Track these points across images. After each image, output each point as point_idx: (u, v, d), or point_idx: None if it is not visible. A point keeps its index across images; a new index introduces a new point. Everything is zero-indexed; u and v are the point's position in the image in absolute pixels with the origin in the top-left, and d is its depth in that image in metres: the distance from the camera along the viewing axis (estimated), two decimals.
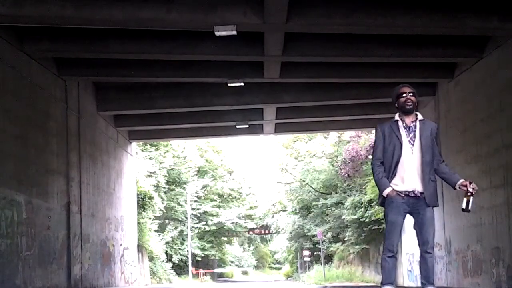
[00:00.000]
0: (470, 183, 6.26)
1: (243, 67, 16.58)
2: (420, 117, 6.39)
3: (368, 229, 29.56)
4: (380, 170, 6.30)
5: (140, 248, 27.19)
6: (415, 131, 6.29)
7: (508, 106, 14.03)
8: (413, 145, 6.25)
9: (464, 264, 16.92)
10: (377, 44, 14.90)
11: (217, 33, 12.42)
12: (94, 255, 18.85)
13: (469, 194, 6.22)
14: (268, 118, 21.39)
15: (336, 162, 34.99)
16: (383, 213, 6.43)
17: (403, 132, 6.29)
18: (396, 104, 6.44)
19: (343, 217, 32.81)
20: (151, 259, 32.16)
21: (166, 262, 37.69)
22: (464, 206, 6.25)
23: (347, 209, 31.65)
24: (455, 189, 6.34)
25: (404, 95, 6.36)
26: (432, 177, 6.27)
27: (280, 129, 23.79)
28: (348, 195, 32.45)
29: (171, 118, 21.34)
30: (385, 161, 6.30)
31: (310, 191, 40.47)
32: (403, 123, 6.33)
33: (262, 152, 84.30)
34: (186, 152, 45.66)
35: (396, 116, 6.41)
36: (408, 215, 6.35)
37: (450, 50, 15.29)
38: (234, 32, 12.42)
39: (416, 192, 6.21)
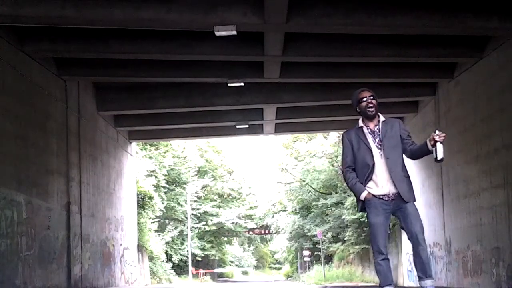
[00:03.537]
0: (434, 132, 6.06)
1: (243, 67, 16.58)
2: (382, 118, 6.36)
3: (368, 229, 29.52)
4: (352, 176, 6.31)
5: (140, 248, 27.19)
6: (380, 134, 6.28)
7: (508, 106, 14.03)
8: (381, 149, 6.24)
9: (464, 264, 16.92)
10: (377, 44, 14.89)
11: (217, 33, 12.41)
12: (94, 255, 18.85)
13: (437, 142, 5.97)
14: (268, 118, 21.40)
15: (336, 162, 34.99)
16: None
17: (369, 138, 6.28)
18: (357, 109, 6.39)
19: (343, 217, 32.81)
20: (151, 259, 32.16)
21: (166, 262, 37.69)
22: (435, 155, 6.02)
23: (347, 209, 31.65)
24: (430, 151, 6.10)
25: (365, 99, 6.30)
26: (405, 174, 6.27)
27: (280, 129, 23.79)
28: (348, 195, 32.41)
29: (171, 118, 21.34)
30: (357, 168, 6.31)
31: (310, 191, 40.48)
32: (367, 128, 6.32)
33: (262, 152, 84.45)
34: (186, 152, 45.66)
35: (360, 122, 6.38)
36: (392, 216, 6.35)
37: (450, 50, 15.28)
38: (234, 32, 12.41)
39: (390, 195, 6.21)
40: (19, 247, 13.16)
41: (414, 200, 6.27)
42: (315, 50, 14.94)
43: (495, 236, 14.73)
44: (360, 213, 29.43)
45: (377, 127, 6.31)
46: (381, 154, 6.23)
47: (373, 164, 6.21)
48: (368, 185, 6.24)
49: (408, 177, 6.28)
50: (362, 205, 6.32)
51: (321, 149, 37.78)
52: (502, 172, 14.31)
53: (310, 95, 19.17)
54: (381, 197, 6.21)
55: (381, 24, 12.87)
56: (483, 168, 15.36)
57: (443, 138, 6.01)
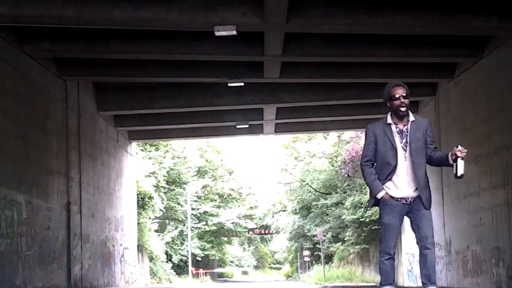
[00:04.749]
0: (457, 147, 5.92)
1: (243, 67, 16.58)
2: (411, 117, 6.13)
3: (368, 229, 29.57)
4: (371, 171, 6.11)
5: (140, 248, 27.19)
6: (407, 135, 6.08)
7: (508, 106, 14.03)
8: (406, 150, 6.05)
9: (464, 264, 16.92)
10: (377, 44, 14.90)
11: (217, 33, 12.42)
12: (94, 255, 18.85)
13: (459, 158, 5.85)
14: (268, 118, 21.40)
15: (336, 162, 34.99)
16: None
17: (397, 137, 6.07)
18: (388, 105, 6.15)
19: (343, 217, 32.82)
20: (151, 259, 32.16)
21: (166, 262, 37.69)
22: (455, 171, 5.89)
23: (347, 209, 31.65)
24: (452, 165, 5.97)
25: (397, 96, 6.05)
26: (427, 179, 6.10)
27: (280, 129, 23.79)
28: (348, 195, 32.45)
29: (171, 118, 21.34)
30: (377, 164, 6.12)
31: (310, 191, 40.48)
32: (396, 127, 6.10)
33: (262, 152, 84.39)
34: (186, 152, 45.66)
35: (389, 119, 6.14)
36: (405, 217, 6.23)
37: (450, 50, 15.29)
38: (234, 32, 12.42)
39: (409, 199, 6.06)
40: (19, 247, 13.16)
41: (430, 206, 6.13)
42: (315, 50, 14.94)
43: (495, 236, 14.73)
44: (360, 213, 29.62)
45: (406, 127, 6.09)
46: (405, 156, 6.04)
47: (396, 164, 6.02)
48: (386, 184, 6.05)
49: (428, 182, 6.12)
50: (375, 202, 6.13)
51: (321, 149, 37.79)
52: (502, 172, 14.32)
53: (310, 95, 19.17)
54: (399, 199, 6.05)
55: (381, 24, 12.88)
56: (483, 168, 15.35)
57: (464, 154, 5.87)
